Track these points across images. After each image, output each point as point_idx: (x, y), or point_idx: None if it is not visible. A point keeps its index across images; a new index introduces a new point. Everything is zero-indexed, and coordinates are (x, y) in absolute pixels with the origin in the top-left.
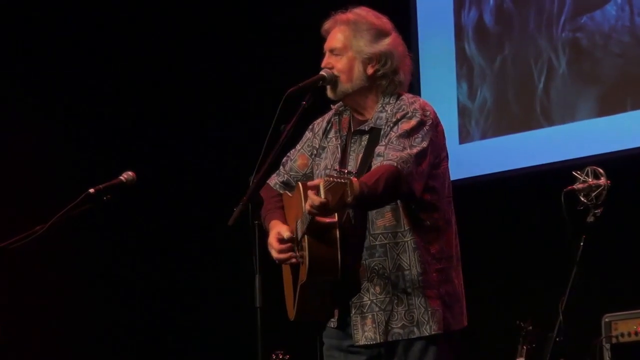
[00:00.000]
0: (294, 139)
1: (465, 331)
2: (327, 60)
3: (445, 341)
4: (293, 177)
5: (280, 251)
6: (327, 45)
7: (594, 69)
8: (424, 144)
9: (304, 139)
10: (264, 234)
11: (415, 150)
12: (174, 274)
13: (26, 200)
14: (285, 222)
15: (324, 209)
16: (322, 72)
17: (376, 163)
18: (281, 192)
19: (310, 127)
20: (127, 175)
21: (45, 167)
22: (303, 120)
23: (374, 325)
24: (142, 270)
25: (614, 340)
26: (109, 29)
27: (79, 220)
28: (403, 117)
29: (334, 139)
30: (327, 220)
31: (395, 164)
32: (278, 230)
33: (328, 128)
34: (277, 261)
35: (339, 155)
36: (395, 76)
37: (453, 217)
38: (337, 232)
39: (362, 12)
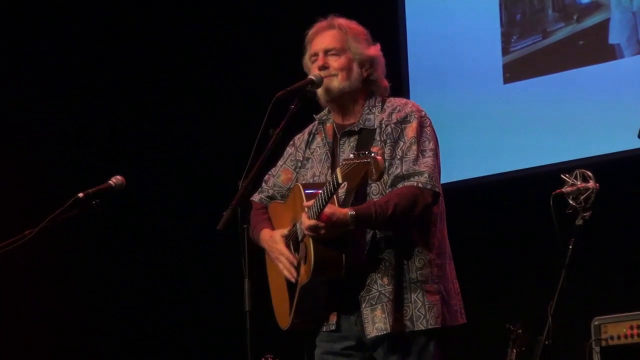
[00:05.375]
0: (282, 144)
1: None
2: (324, 60)
3: (438, 337)
4: (277, 191)
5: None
6: (322, 46)
7: None
8: (432, 145)
9: (286, 154)
10: (252, 239)
11: (429, 159)
12: (163, 278)
13: (15, 204)
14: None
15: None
16: (311, 76)
17: (405, 184)
18: (266, 204)
19: (292, 142)
20: (116, 179)
21: (34, 171)
22: (292, 124)
23: (383, 315)
24: (131, 275)
25: (603, 343)
26: (97, 32)
27: (68, 224)
28: (404, 119)
29: (320, 147)
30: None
31: (429, 187)
32: (279, 233)
33: (310, 139)
34: (275, 259)
35: (329, 159)
36: (382, 82)
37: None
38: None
39: (352, 21)
